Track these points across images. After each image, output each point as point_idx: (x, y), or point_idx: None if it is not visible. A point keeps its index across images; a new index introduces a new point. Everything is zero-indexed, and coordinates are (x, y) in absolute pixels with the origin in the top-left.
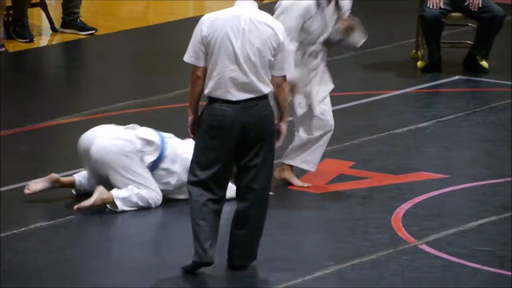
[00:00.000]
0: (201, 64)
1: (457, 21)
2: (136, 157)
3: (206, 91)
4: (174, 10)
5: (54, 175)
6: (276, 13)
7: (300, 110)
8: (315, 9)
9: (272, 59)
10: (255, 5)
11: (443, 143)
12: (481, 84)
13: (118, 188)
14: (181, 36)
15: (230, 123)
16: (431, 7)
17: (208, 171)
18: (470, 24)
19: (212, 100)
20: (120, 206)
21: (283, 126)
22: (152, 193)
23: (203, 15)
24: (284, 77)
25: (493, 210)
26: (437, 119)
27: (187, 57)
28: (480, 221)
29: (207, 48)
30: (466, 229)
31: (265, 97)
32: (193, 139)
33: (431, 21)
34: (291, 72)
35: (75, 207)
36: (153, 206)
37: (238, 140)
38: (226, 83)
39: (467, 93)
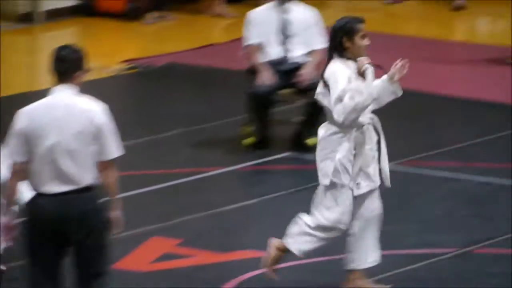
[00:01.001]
0: (20, 159)
1: (288, 98)
2: None
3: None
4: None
5: None
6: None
7: (358, 190)
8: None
9: (93, 144)
10: (73, 89)
11: (271, 221)
12: (309, 162)
13: None
14: None
15: (47, 217)
16: (260, 83)
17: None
18: (299, 101)
19: (34, 194)
20: None
21: (115, 215)
22: None
23: None
24: (109, 161)
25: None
26: (265, 196)
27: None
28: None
29: (26, 141)
30: None
31: (88, 188)
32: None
33: (260, 98)
34: (116, 153)
35: None
36: None
37: (59, 234)
38: (45, 176)
39: (295, 170)
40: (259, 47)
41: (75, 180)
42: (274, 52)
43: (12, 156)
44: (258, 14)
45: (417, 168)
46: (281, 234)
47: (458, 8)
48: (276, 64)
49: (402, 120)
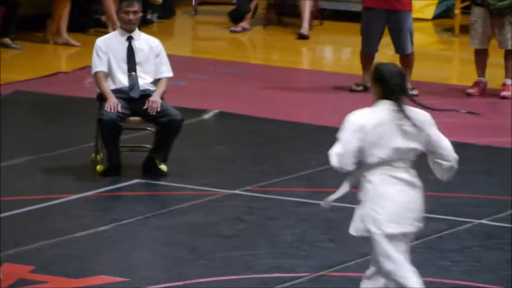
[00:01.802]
0: None
1: (136, 125)
2: None
3: None
4: None
5: None
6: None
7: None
8: None
9: None
10: None
11: (123, 247)
12: (160, 188)
13: None
14: None
15: None
16: (108, 110)
17: None
18: (149, 128)
19: None
20: None
21: None
22: None
23: None
24: None
25: None
26: (117, 222)
27: None
28: None
29: None
30: None
31: None
32: None
33: (108, 125)
34: None
35: None
36: None
37: None
38: None
39: (146, 196)
40: (106, 75)
41: None
42: (121, 79)
43: None
44: (105, 41)
45: (267, 194)
46: (133, 259)
47: (303, 37)
48: (124, 92)
49: (251, 147)
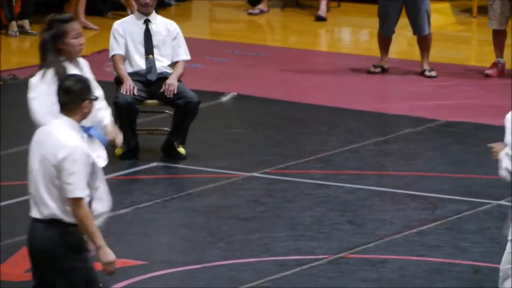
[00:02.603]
0: None
1: (153, 108)
2: None
3: None
4: None
5: None
6: None
7: None
8: None
9: (56, 178)
10: (70, 123)
11: (142, 230)
12: (178, 171)
13: None
14: None
15: (29, 241)
16: (124, 93)
17: None
18: (167, 111)
19: None
20: None
21: (98, 254)
22: None
23: None
24: (73, 200)
25: None
26: (136, 205)
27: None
28: None
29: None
30: None
31: (52, 222)
32: None
33: (125, 108)
34: (72, 193)
35: None
36: None
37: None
38: (31, 200)
39: (164, 179)
40: (124, 58)
41: (38, 208)
42: (139, 62)
43: None
44: (122, 24)
45: (285, 176)
46: (152, 242)
47: (320, 19)
48: (141, 75)
49: (269, 129)
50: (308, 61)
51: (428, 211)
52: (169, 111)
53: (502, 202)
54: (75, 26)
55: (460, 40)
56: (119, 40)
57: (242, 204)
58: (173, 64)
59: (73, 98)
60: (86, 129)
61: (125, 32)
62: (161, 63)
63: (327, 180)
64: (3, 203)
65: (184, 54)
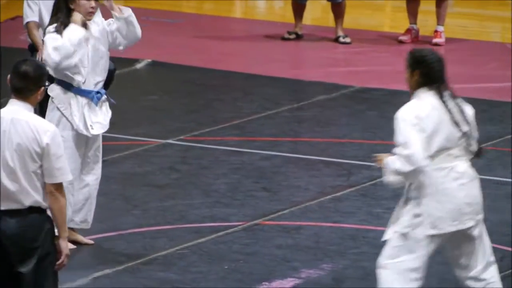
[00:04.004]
0: None
1: None
2: None
3: None
4: None
5: None
6: None
7: None
8: None
9: (38, 165)
10: (28, 107)
11: None
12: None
13: None
14: None
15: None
16: (40, 60)
17: None
18: None
19: None
20: None
21: (62, 244)
22: None
23: None
24: (56, 185)
25: (107, 264)
26: None
27: None
28: (96, 275)
29: None
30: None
31: (31, 209)
32: None
33: None
34: (59, 178)
35: None
36: None
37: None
38: None
39: None
40: (38, 24)
41: (16, 200)
42: None
43: None
44: None
45: (200, 143)
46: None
47: None
48: None
49: (183, 96)
50: (223, 28)
51: (342, 178)
52: None
53: None
54: None
55: (374, 6)
56: (33, 7)
57: (157, 171)
58: None
59: (29, 85)
60: (97, 93)
61: (39, 0)
62: None
63: (242, 147)
64: None
65: None
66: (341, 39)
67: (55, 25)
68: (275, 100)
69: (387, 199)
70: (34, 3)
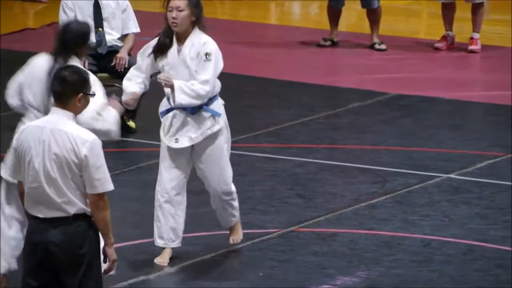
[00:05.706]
0: (19, 178)
1: (104, 81)
2: None
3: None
4: None
5: None
6: None
7: None
8: None
9: (78, 174)
10: (69, 116)
11: None
12: (128, 144)
13: None
14: None
15: (35, 242)
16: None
17: None
18: (117, 85)
19: (29, 216)
20: None
21: (109, 251)
22: None
23: None
24: (98, 195)
25: (143, 270)
26: None
27: (3, 172)
28: (131, 281)
29: (19, 161)
30: None
31: (76, 217)
32: None
33: None
34: (104, 187)
35: None
36: None
37: (45, 261)
38: (34, 199)
39: (115, 153)
40: None
41: (59, 208)
42: None
43: (11, 174)
44: None
45: (236, 150)
46: None
47: None
48: (91, 48)
49: None
50: (258, 34)
51: (378, 185)
52: (119, 85)
53: (452, 176)
54: None
55: (409, 13)
56: (69, 13)
57: (192, 177)
58: (122, 37)
59: (66, 89)
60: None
61: (74, 6)
62: (111, 36)
63: (277, 154)
64: None
65: (133, 27)
66: (377, 46)
67: None
68: (310, 107)
69: (422, 206)
70: (69, 9)
